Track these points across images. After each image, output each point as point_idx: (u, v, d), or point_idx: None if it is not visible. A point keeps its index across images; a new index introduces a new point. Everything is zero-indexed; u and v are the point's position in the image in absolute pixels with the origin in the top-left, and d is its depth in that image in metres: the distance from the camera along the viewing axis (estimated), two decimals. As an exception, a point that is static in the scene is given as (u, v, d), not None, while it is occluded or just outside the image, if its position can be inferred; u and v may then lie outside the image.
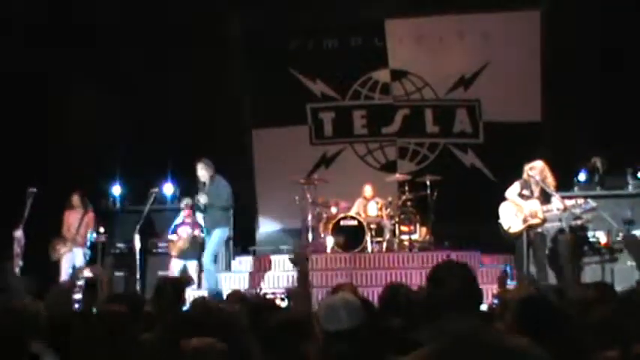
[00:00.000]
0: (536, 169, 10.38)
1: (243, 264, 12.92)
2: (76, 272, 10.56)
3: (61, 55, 12.06)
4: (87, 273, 11.07)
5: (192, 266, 11.96)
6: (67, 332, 4.21)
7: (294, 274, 11.77)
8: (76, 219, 11.72)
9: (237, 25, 15.06)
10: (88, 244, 11.84)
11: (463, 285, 3.19)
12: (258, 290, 10.54)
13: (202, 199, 10.85)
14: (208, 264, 10.70)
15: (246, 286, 11.76)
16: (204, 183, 10.82)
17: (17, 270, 10.76)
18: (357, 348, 3.95)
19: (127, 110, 13.21)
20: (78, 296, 8.30)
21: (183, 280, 7.91)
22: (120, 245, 12.47)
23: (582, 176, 12.39)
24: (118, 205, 13.14)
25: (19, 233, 10.88)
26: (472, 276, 3.26)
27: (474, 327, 3.12)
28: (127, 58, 13.19)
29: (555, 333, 4.01)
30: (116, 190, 13.24)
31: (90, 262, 11.74)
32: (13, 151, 11.60)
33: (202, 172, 10.78)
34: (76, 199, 11.74)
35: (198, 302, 5.80)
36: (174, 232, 12.19)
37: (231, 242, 13.06)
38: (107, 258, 12.35)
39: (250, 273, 12.32)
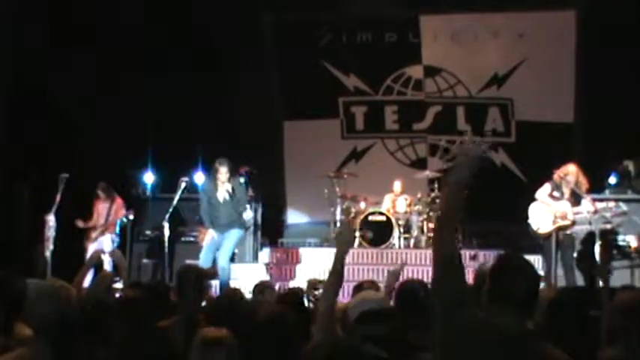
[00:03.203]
0: (571, 174, 10.34)
1: (270, 255, 12.92)
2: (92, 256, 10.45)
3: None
4: (106, 258, 11.14)
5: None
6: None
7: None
8: (105, 208, 11.84)
9: (271, 17, 15.09)
10: (117, 230, 11.99)
11: (529, 284, 3.22)
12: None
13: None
14: (225, 263, 10.37)
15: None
16: (229, 180, 10.42)
17: (48, 254, 10.89)
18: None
19: (159, 101, 13.27)
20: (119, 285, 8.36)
21: (208, 272, 7.90)
22: (149, 233, 12.56)
23: (613, 179, 12.28)
24: (148, 192, 13.21)
25: (50, 218, 11.00)
26: (537, 275, 3.30)
27: (522, 327, 3.13)
28: (162, 54, 13.27)
29: (583, 334, 4.02)
30: (147, 177, 13.29)
31: (118, 249, 11.88)
32: (45, 137, 11.71)
33: (227, 176, 10.48)
34: (100, 191, 11.86)
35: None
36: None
37: (259, 233, 13.14)
38: (136, 245, 12.47)
39: (274, 265, 12.37)
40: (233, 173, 10.58)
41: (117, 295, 6.52)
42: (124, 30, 12.59)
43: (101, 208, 11.87)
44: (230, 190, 10.40)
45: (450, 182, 3.40)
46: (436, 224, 3.50)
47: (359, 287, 5.69)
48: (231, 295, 5.66)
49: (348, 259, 12.74)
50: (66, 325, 3.57)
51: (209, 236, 10.52)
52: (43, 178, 11.22)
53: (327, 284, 4.71)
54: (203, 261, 10.30)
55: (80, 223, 11.80)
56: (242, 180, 11.57)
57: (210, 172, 10.63)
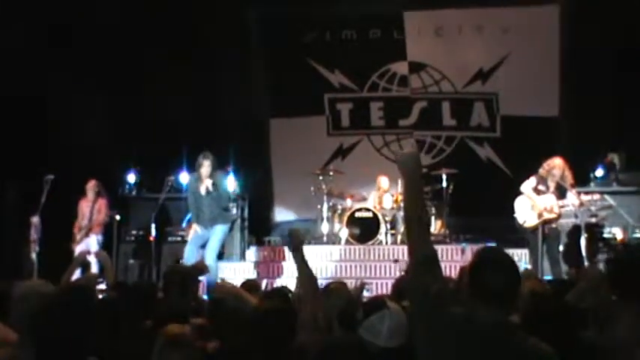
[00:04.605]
0: (557, 168, 10.37)
1: (257, 254, 12.88)
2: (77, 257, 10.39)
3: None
4: (92, 259, 11.10)
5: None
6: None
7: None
8: (88, 207, 11.77)
9: (255, 14, 15.07)
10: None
11: (508, 277, 3.20)
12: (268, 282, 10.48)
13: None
14: (212, 261, 10.28)
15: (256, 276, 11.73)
16: (210, 176, 10.44)
17: (34, 255, 10.85)
18: None
19: (144, 99, 13.23)
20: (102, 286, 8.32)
21: (198, 267, 7.86)
22: (135, 233, 12.49)
23: (599, 172, 12.32)
24: (134, 192, 13.14)
25: (36, 219, 10.96)
26: (517, 268, 3.27)
27: (502, 322, 3.13)
28: (147, 54, 13.24)
29: (569, 327, 4.05)
30: (130, 177, 13.21)
31: (104, 249, 11.81)
32: (31, 138, 11.66)
33: (209, 169, 10.44)
34: (90, 186, 11.78)
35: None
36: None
37: (246, 232, 13.09)
38: (122, 246, 12.40)
39: (262, 263, 12.35)
40: (216, 169, 10.58)
41: (100, 296, 6.49)
42: (104, 29, 12.58)
43: (85, 207, 11.80)
44: (211, 184, 10.39)
45: (404, 184, 3.41)
46: (406, 227, 3.49)
47: (327, 288, 5.69)
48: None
49: (334, 256, 12.75)
50: (50, 325, 3.55)
51: (192, 231, 10.54)
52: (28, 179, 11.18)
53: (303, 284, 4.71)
54: (187, 256, 10.31)
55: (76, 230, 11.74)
56: (229, 177, 11.52)
57: (195, 167, 10.62)
